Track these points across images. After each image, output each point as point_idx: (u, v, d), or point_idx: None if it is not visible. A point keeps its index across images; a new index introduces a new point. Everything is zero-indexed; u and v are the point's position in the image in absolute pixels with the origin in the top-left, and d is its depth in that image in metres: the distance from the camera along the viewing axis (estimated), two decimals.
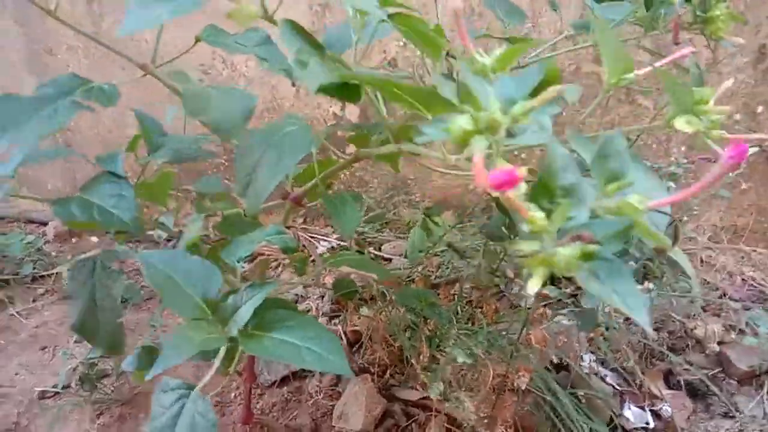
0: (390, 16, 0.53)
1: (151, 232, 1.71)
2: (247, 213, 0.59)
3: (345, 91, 0.53)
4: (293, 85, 0.71)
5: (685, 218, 1.25)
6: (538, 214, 0.34)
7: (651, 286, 0.93)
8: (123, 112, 1.68)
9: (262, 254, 0.64)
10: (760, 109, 1.34)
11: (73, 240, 1.83)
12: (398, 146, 0.57)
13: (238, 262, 0.57)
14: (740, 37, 1.29)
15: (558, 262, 0.32)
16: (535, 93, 0.37)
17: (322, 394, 1.13)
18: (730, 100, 1.30)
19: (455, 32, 0.44)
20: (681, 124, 0.47)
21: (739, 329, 1.17)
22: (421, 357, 1.06)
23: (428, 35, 0.53)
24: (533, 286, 0.32)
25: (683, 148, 1.28)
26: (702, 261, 1.33)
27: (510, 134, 0.37)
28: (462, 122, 0.35)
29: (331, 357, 0.50)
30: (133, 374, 1.08)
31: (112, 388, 1.20)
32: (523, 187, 0.34)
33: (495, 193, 0.31)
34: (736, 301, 1.23)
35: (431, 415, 1.01)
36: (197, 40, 0.64)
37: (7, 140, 0.52)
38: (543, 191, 0.35)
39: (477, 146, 0.35)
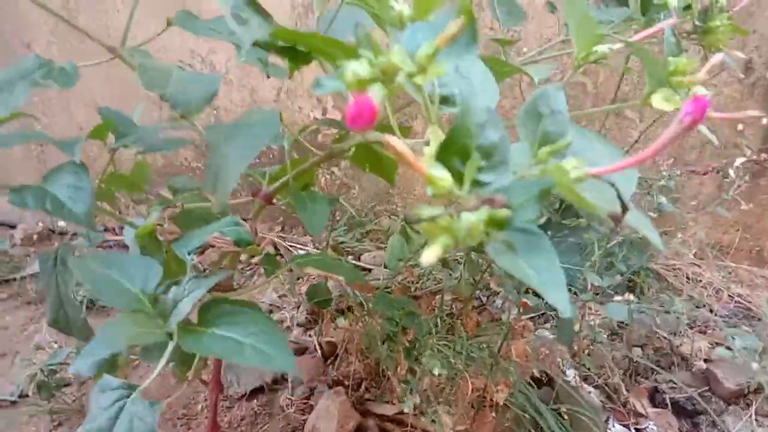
0: None
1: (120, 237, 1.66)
2: (216, 206, 0.56)
3: (292, 53, 0.50)
4: (268, 76, 0.67)
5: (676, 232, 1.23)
6: (439, 173, 0.28)
7: (630, 297, 0.90)
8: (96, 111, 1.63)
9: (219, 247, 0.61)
10: (740, 126, 1.32)
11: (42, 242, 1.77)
12: (363, 136, 0.53)
13: (189, 254, 0.53)
14: (727, 50, 1.28)
15: (460, 230, 0.27)
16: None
17: (293, 408, 1.08)
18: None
19: None
20: (658, 101, 0.44)
21: (727, 347, 1.14)
22: (398, 369, 1.01)
23: None
24: (429, 257, 0.27)
25: (670, 161, 1.25)
26: (688, 278, 1.30)
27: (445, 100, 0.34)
28: (355, 67, 0.30)
29: (274, 353, 0.46)
30: (94, 379, 1.02)
31: (74, 398, 1.14)
32: (427, 148, 0.31)
33: (358, 133, 0.28)
34: (723, 318, 1.20)
35: (407, 431, 0.96)
36: (169, 23, 0.63)
37: None
38: (454, 150, 0.29)
39: (375, 95, 0.30)
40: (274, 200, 0.77)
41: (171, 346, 0.47)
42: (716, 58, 0.50)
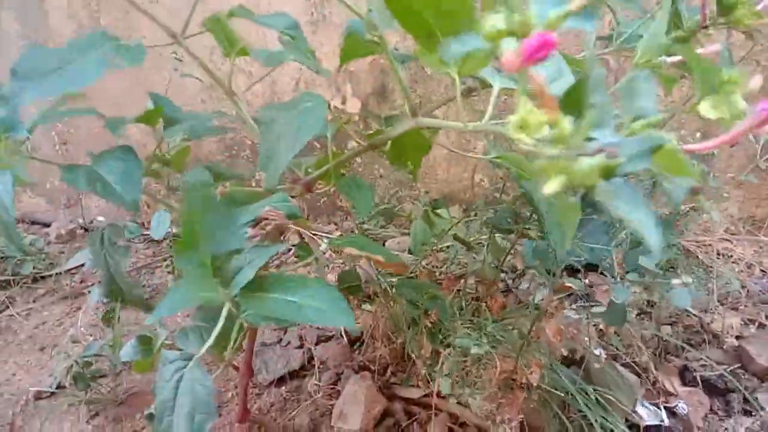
0: None
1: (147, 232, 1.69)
2: (267, 185, 0.58)
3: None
4: (317, 72, 0.70)
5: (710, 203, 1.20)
6: (564, 118, 0.33)
7: (689, 280, 0.89)
8: (125, 112, 1.67)
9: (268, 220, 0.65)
10: None
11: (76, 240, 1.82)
12: (415, 120, 0.54)
13: (243, 227, 0.57)
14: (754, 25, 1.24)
15: (577, 171, 0.31)
16: None
17: (321, 393, 1.09)
18: (759, 97, 1.24)
19: None
20: (706, 109, 0.45)
21: (759, 323, 1.12)
22: (423, 352, 1.02)
23: None
24: (549, 189, 0.32)
25: (698, 134, 1.23)
26: (719, 253, 1.27)
27: None
28: (495, 21, 0.34)
29: (334, 312, 0.49)
30: (134, 364, 1.05)
31: (109, 389, 1.17)
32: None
33: (527, 75, 0.31)
34: (755, 294, 1.17)
35: (433, 413, 0.97)
36: (230, 14, 0.66)
37: (31, 91, 0.48)
38: (571, 105, 0.34)
39: (507, 47, 0.34)
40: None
41: (224, 313, 0.50)
42: (757, 80, 0.50)
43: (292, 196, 0.74)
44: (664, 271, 1.17)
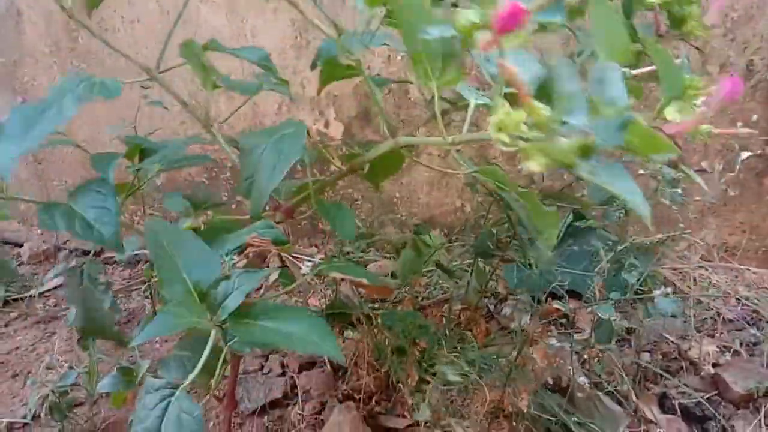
0: None
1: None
2: (251, 213, 0.59)
3: None
4: (291, 99, 0.72)
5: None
6: (540, 104, 0.35)
7: (669, 290, 0.90)
8: (101, 134, 1.65)
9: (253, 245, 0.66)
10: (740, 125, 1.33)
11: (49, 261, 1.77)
12: (395, 140, 0.55)
13: (227, 255, 0.57)
14: (729, 53, 1.28)
15: (556, 151, 0.34)
16: None
17: (304, 423, 1.08)
18: (718, 118, 1.29)
19: None
20: (672, 113, 0.47)
21: (734, 350, 1.14)
22: (409, 381, 1.02)
23: None
24: (532, 167, 0.34)
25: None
26: (695, 280, 1.30)
27: None
28: (470, 14, 0.36)
29: (319, 341, 0.50)
30: (111, 397, 1.03)
31: (86, 419, 1.14)
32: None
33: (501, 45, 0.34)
34: (730, 321, 1.20)
35: None
36: (204, 48, 0.69)
37: (17, 149, 0.51)
38: (543, 94, 0.36)
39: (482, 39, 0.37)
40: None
41: (211, 341, 0.50)
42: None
43: (277, 222, 0.74)
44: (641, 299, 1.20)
